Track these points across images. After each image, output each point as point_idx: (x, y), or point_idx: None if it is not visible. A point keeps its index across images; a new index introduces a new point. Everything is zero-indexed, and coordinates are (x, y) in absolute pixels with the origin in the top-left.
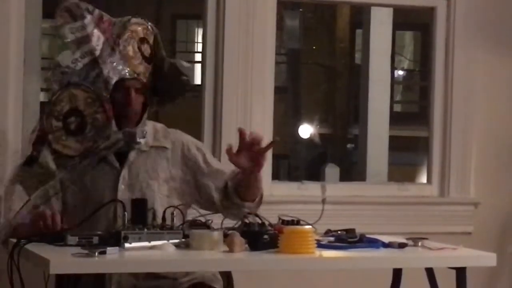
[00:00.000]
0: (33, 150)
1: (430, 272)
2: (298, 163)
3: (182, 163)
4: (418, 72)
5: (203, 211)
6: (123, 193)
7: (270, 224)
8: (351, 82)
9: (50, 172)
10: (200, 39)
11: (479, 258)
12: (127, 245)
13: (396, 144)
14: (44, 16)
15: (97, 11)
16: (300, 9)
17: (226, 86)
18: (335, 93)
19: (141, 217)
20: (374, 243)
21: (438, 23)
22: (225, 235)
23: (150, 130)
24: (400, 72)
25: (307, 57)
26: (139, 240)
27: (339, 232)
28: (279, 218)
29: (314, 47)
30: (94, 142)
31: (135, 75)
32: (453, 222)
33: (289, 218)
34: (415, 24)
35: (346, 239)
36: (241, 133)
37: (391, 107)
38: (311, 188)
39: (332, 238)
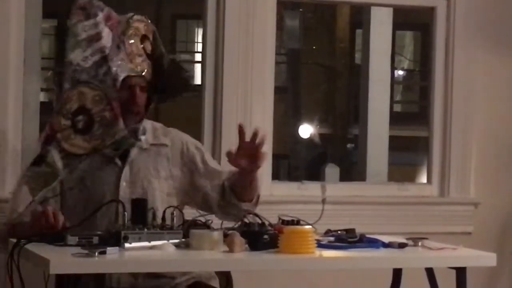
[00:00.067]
0: (42, 150)
1: (430, 272)
2: (298, 163)
3: (181, 162)
4: (418, 72)
5: (201, 212)
6: (124, 190)
7: (270, 224)
8: (351, 82)
9: (57, 171)
10: (200, 39)
11: (479, 258)
12: (127, 245)
13: (396, 144)
14: (44, 16)
15: (106, 9)
16: (300, 9)
17: (226, 86)
18: (335, 93)
19: (141, 217)
20: (374, 243)
21: (438, 23)
22: (225, 235)
23: (149, 129)
24: (400, 72)
25: (307, 57)
26: (139, 240)
27: (339, 232)
28: (279, 218)
29: (314, 47)
30: (102, 140)
31: (140, 72)
32: (453, 222)
33: (289, 218)
34: (415, 24)
35: (346, 239)
36: (241, 131)
37: (391, 107)
38: (311, 188)
39: (332, 238)
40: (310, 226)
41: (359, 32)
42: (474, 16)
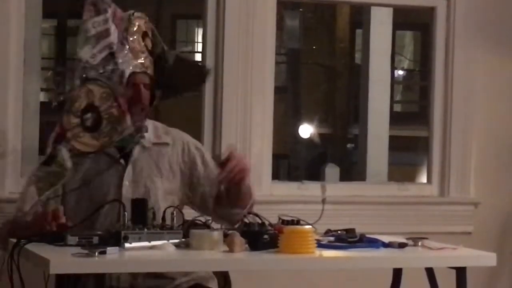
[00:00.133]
0: (52, 149)
1: (430, 272)
2: (298, 163)
3: (182, 162)
4: (418, 72)
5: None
6: (127, 190)
7: (270, 224)
8: (351, 82)
9: (65, 171)
10: (200, 39)
11: (479, 258)
12: (127, 245)
13: (396, 144)
14: (44, 16)
15: (113, 5)
16: (300, 9)
17: (226, 86)
18: (335, 93)
19: (141, 217)
20: (374, 243)
21: (438, 23)
22: (225, 235)
23: (150, 128)
24: (400, 72)
25: (307, 57)
26: (139, 240)
27: (339, 232)
28: (279, 218)
29: (314, 47)
30: (110, 137)
31: (144, 69)
32: (453, 222)
33: (289, 218)
34: (415, 24)
35: (346, 239)
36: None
37: (391, 107)
38: (311, 188)
39: (332, 238)
40: (310, 226)
41: (359, 32)
42: (474, 16)
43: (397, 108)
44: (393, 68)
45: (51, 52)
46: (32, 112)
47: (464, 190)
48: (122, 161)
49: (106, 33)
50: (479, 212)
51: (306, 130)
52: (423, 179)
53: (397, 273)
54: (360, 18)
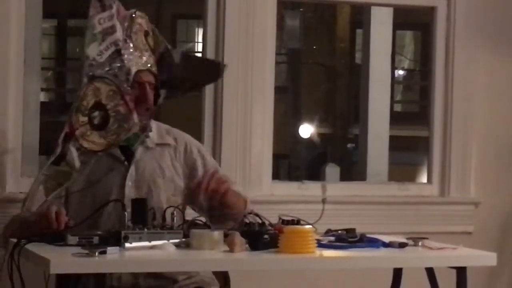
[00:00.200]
0: (62, 148)
1: (430, 271)
2: (299, 163)
3: (184, 163)
4: (418, 72)
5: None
6: (129, 190)
7: (270, 224)
8: (351, 82)
9: (74, 170)
10: (200, 39)
11: (480, 258)
12: (127, 245)
13: (396, 144)
14: (44, 16)
15: (117, 2)
16: (300, 9)
17: (226, 86)
18: (335, 93)
19: (141, 217)
20: (374, 243)
21: (438, 22)
22: (226, 235)
23: (154, 128)
24: (400, 72)
25: (307, 57)
26: (140, 240)
27: (339, 231)
28: (280, 218)
29: (314, 47)
30: (117, 135)
31: (150, 67)
32: (453, 222)
33: (290, 218)
34: (415, 24)
35: (347, 238)
36: None
37: (391, 107)
38: (312, 188)
39: (332, 238)
40: (310, 226)
41: (359, 32)
42: (474, 16)
43: (398, 108)
44: (393, 68)
45: (51, 52)
46: (32, 112)
47: (464, 190)
48: (125, 161)
49: (112, 30)
50: (479, 212)
51: (306, 130)
52: (424, 179)
53: (398, 273)
54: (360, 18)
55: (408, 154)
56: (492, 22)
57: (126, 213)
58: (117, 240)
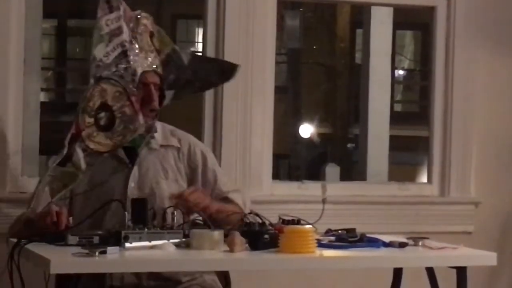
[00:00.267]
0: (68, 149)
1: (430, 271)
2: (299, 163)
3: (188, 165)
4: (418, 71)
5: None
6: (132, 191)
7: (270, 224)
8: (351, 82)
9: (80, 171)
10: (200, 39)
11: (480, 258)
12: (127, 244)
13: (396, 144)
14: (44, 16)
15: (123, 4)
16: (300, 9)
17: (226, 86)
18: (336, 93)
19: (141, 217)
20: (374, 243)
21: (439, 22)
22: (226, 235)
23: (159, 129)
24: (401, 72)
25: (307, 57)
26: (140, 239)
27: (339, 231)
28: (280, 218)
29: (314, 47)
30: (123, 136)
31: (156, 68)
32: (453, 222)
33: (290, 218)
34: (415, 24)
35: (347, 238)
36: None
37: (392, 107)
38: (312, 188)
39: (332, 238)
40: (310, 226)
41: (359, 31)
42: (474, 16)
43: (398, 108)
44: (393, 68)
45: (51, 52)
46: (32, 112)
47: (464, 189)
48: (128, 162)
49: (119, 31)
50: (479, 212)
51: (306, 130)
52: (424, 179)
53: (398, 273)
54: (360, 18)
55: (408, 154)
56: (492, 22)
57: (126, 213)
58: (117, 240)
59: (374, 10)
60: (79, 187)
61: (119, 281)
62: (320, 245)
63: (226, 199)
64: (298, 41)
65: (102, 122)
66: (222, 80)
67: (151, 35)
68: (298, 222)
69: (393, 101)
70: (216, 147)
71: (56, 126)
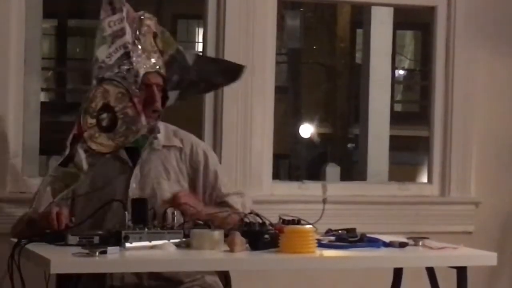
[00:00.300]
0: (71, 150)
1: (431, 271)
2: (299, 163)
3: (189, 165)
4: (418, 71)
5: None
6: (133, 191)
7: (270, 224)
8: (351, 82)
9: (82, 172)
10: (200, 39)
11: (480, 258)
12: (127, 244)
13: (396, 144)
14: (44, 16)
15: (127, 5)
16: (301, 9)
17: (227, 86)
18: (336, 93)
19: (141, 217)
20: (374, 243)
21: (439, 22)
22: (226, 235)
23: (162, 129)
24: (401, 72)
25: (307, 57)
26: (140, 239)
27: (339, 231)
28: (280, 218)
29: (314, 47)
30: (125, 137)
31: (159, 69)
32: (453, 222)
33: (290, 218)
34: (415, 24)
35: (347, 238)
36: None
37: (392, 107)
38: (312, 188)
39: (332, 238)
40: (310, 226)
41: (359, 31)
42: (475, 16)
43: (398, 107)
44: (393, 67)
45: (52, 52)
46: (33, 112)
47: (464, 189)
48: (130, 163)
49: (121, 32)
50: (479, 212)
51: (306, 130)
52: (424, 178)
53: (398, 273)
54: (360, 18)
55: (409, 154)
56: (492, 22)
57: (126, 213)
58: (118, 240)
59: (374, 10)
60: (81, 188)
61: (119, 281)
62: (320, 245)
63: (224, 203)
64: (298, 41)
65: (104, 123)
66: (227, 81)
67: (155, 36)
68: (298, 222)
69: (393, 101)
70: (216, 147)
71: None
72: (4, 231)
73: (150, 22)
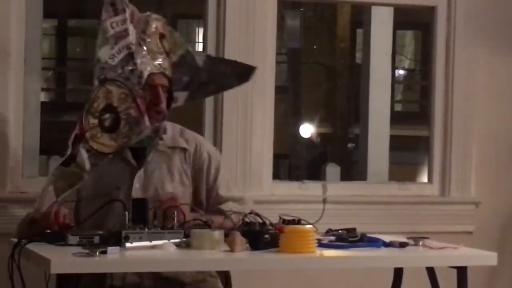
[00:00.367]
0: (73, 150)
1: (431, 271)
2: (299, 163)
3: (193, 166)
4: (418, 71)
5: None
6: (136, 192)
7: (271, 224)
8: (351, 82)
9: (84, 172)
10: (200, 39)
11: (480, 258)
12: (128, 244)
13: (396, 144)
14: (44, 16)
15: (131, 5)
16: (301, 9)
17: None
18: (336, 93)
19: (142, 217)
20: (375, 243)
21: (439, 22)
22: (226, 235)
23: (169, 130)
24: (401, 72)
25: (307, 57)
26: (140, 239)
27: (340, 231)
28: (280, 218)
29: (314, 47)
30: (128, 138)
31: (163, 70)
32: (454, 222)
33: (290, 218)
34: (415, 24)
35: (347, 238)
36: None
37: (392, 107)
38: (312, 188)
39: (333, 238)
40: (311, 226)
41: (359, 31)
42: (475, 16)
43: (398, 107)
44: (393, 67)
45: (52, 52)
46: (33, 112)
47: (464, 189)
48: (134, 163)
49: (125, 33)
50: (479, 212)
51: (306, 130)
52: (424, 178)
53: (398, 273)
54: (360, 18)
55: (409, 153)
56: (492, 22)
57: (126, 213)
58: (118, 240)
59: (374, 10)
60: (86, 189)
61: (120, 280)
62: (321, 245)
63: (219, 211)
64: (299, 41)
65: (106, 124)
66: (238, 82)
67: (161, 36)
68: (298, 222)
69: (393, 101)
70: (216, 147)
71: (56, 126)
72: (4, 231)
73: (157, 23)
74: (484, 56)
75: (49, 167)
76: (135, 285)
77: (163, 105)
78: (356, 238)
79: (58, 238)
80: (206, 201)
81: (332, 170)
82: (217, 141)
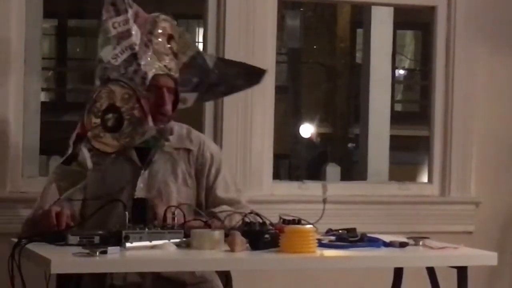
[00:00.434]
0: (74, 149)
1: (431, 271)
2: (299, 163)
3: (196, 166)
4: (418, 71)
5: None
6: (140, 192)
7: (271, 224)
8: (351, 82)
9: (86, 171)
10: (200, 39)
11: (480, 257)
12: (128, 244)
13: (397, 144)
14: (44, 16)
15: (135, 6)
16: (301, 9)
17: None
18: (336, 93)
19: (142, 217)
20: (375, 242)
21: (439, 22)
22: (226, 235)
23: (175, 131)
24: (401, 72)
25: (307, 57)
26: (140, 239)
27: (340, 231)
28: (280, 218)
29: (314, 47)
30: (131, 138)
31: (169, 71)
32: (454, 222)
33: (290, 218)
34: (415, 24)
35: (347, 238)
36: None
37: (392, 107)
38: (312, 188)
39: (333, 238)
40: (311, 226)
41: (359, 31)
42: (475, 16)
43: (398, 107)
44: (393, 67)
45: (52, 52)
46: (33, 112)
47: (465, 189)
48: (139, 163)
49: (127, 34)
50: (480, 212)
51: (306, 130)
52: (424, 178)
53: (398, 273)
54: (360, 18)
55: (409, 153)
56: (492, 22)
57: (126, 212)
58: (118, 239)
59: (375, 10)
60: (91, 188)
61: (121, 280)
62: (321, 245)
63: (211, 214)
64: (299, 41)
65: (109, 123)
66: (248, 84)
67: (170, 38)
68: (298, 222)
69: (393, 101)
70: None
71: (56, 126)
72: (4, 231)
73: (165, 24)
74: (484, 56)
75: (49, 167)
76: (136, 284)
77: (168, 106)
78: (356, 238)
79: (58, 238)
80: (205, 202)
81: (332, 170)
82: (217, 141)
